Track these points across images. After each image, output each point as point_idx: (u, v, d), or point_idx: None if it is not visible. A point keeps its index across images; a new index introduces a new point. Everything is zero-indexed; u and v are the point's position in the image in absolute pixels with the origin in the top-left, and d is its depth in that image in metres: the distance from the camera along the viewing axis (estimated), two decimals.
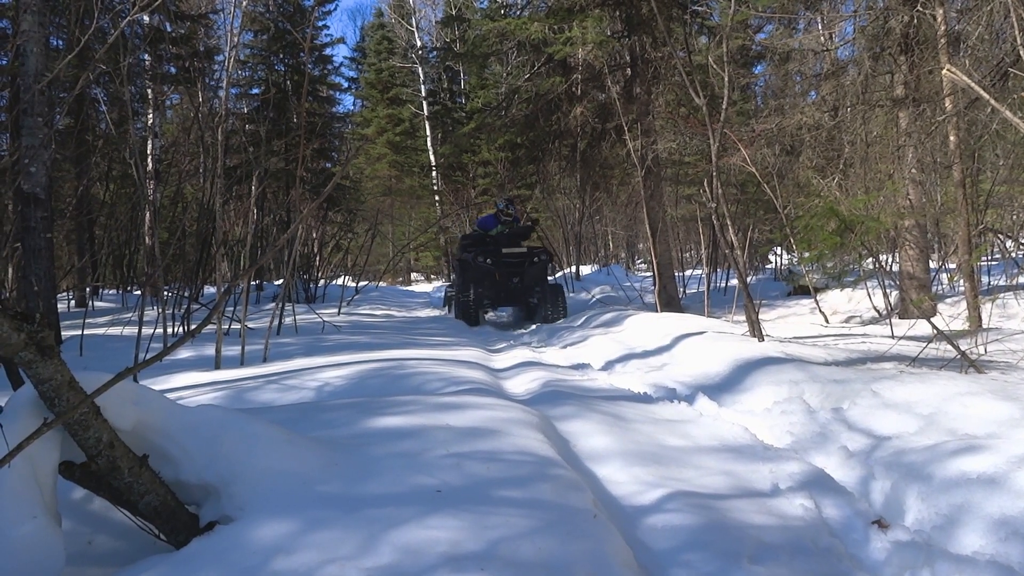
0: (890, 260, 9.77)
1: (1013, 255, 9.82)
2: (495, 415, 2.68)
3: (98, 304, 10.93)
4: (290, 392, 3.82)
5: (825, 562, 2.15)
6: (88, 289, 11.66)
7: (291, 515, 1.97)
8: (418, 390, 3.25)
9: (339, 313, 9.59)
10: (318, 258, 13.85)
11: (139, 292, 11.97)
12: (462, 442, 2.40)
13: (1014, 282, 9.07)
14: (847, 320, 9.11)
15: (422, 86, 27.75)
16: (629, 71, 11.21)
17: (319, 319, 8.10)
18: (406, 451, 2.34)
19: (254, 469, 2.12)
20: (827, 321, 8.90)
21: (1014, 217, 10.64)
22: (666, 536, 2.19)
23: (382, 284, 17.52)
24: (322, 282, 13.36)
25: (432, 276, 25.74)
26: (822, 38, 10.54)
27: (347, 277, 15.30)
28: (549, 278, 11.61)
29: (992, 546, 2.10)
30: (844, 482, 2.73)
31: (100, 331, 7.10)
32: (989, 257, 11.37)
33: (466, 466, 2.21)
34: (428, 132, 27.35)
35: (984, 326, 6.44)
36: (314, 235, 14.07)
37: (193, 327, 5.12)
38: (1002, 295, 8.00)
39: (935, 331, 4.41)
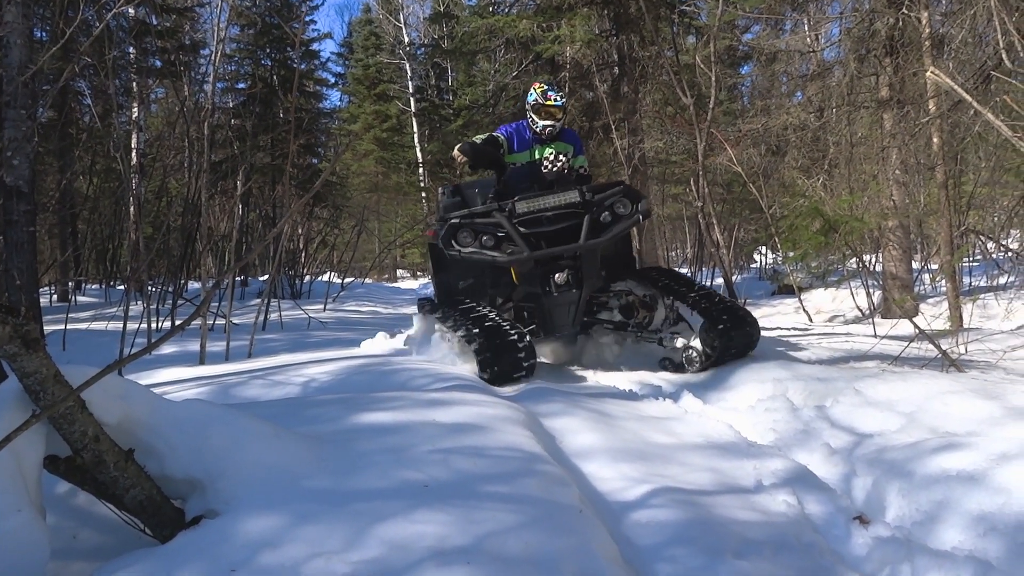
0: (873, 260, 9.86)
1: (994, 256, 9.94)
2: (482, 411, 2.69)
3: (80, 299, 10.84)
4: (276, 388, 3.81)
5: (807, 557, 2.18)
6: (71, 283, 11.56)
7: (278, 509, 1.97)
8: (404, 386, 3.25)
9: (325, 309, 9.55)
10: (304, 254, 13.79)
11: (123, 287, 11.89)
12: (449, 438, 2.41)
13: (994, 283, 9.18)
14: (831, 319, 9.19)
15: (409, 82, 27.67)
16: (617, 70, 11.24)
17: (305, 315, 8.07)
18: (393, 446, 2.34)
19: (241, 464, 2.12)
20: (811, 320, 8.97)
21: (995, 219, 10.76)
22: (651, 532, 2.21)
23: (368, 281, 17.47)
24: (308, 278, 13.30)
25: (418, 273, 25.68)
26: (808, 39, 10.61)
27: (333, 273, 15.25)
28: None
29: (971, 542, 2.13)
30: (827, 479, 2.76)
31: (83, 326, 7.04)
32: (970, 258, 11.50)
33: (453, 461, 2.22)
34: (415, 129, 27.28)
35: (965, 326, 6.53)
36: (300, 231, 14.01)
37: (179, 322, 5.08)
38: (983, 296, 8.10)
39: (917, 330, 4.46)
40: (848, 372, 3.79)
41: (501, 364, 3.93)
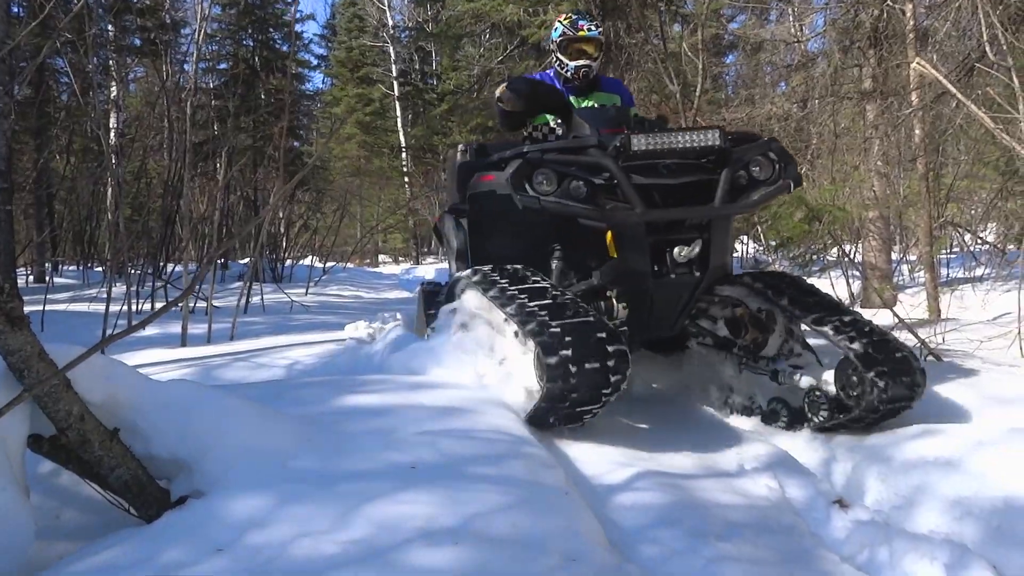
0: (854, 251, 9.96)
1: (971, 249, 10.08)
2: (469, 394, 2.70)
3: (58, 280, 10.70)
4: (260, 370, 3.80)
5: (788, 540, 2.22)
6: (48, 265, 11.40)
7: (265, 490, 1.97)
8: (391, 369, 3.26)
9: (307, 293, 9.50)
10: (285, 238, 13.70)
11: (100, 269, 11.75)
12: (436, 420, 2.41)
13: (971, 275, 9.31)
14: None
15: (393, 66, 27.45)
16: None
17: (287, 299, 8.03)
18: (380, 428, 2.34)
19: (227, 444, 2.11)
20: None
21: (973, 212, 10.91)
22: (636, 514, 2.23)
23: (350, 265, 17.38)
24: (289, 262, 13.21)
25: (400, 258, 25.59)
26: (793, 29, 10.65)
27: (315, 257, 15.16)
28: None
29: (947, 525, 2.18)
30: (807, 464, 2.80)
31: (61, 307, 6.96)
32: (948, 250, 11.65)
33: (440, 443, 2.23)
34: (398, 113, 27.10)
35: (943, 316, 6.63)
36: (282, 215, 13.91)
37: (163, 304, 5.03)
38: (960, 287, 8.22)
39: (896, 320, 4.53)
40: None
41: (581, 375, 2.46)
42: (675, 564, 2.00)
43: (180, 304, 5.34)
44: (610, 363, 2.50)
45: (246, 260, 12.26)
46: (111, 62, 13.00)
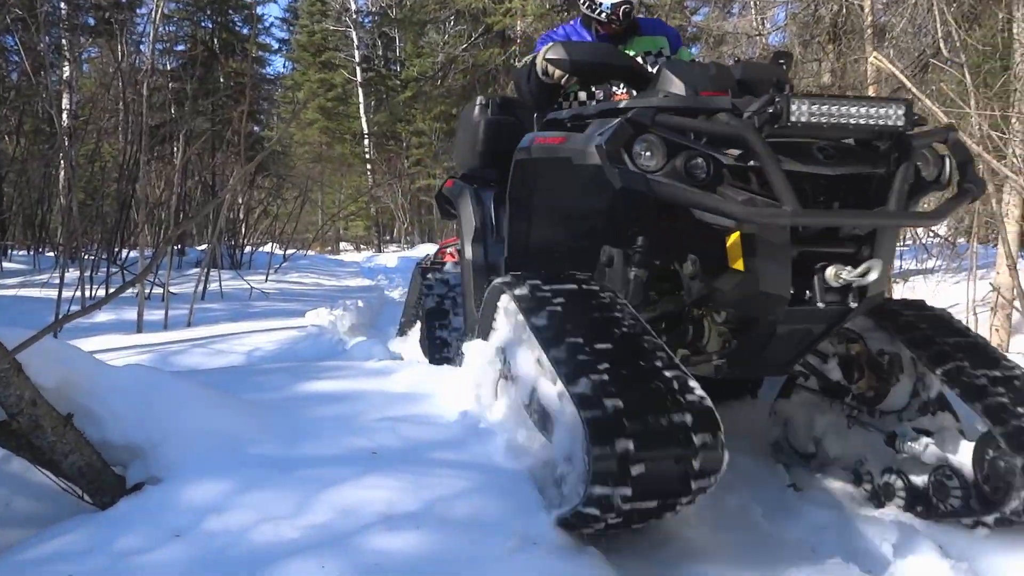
0: None
1: (923, 241, 10.34)
2: (429, 379, 2.70)
3: (7, 265, 10.39)
4: (218, 356, 3.74)
5: None
6: None
7: (224, 476, 1.95)
8: (352, 355, 3.24)
9: (267, 280, 9.37)
10: (245, 224, 13.47)
11: (53, 254, 11.44)
12: (398, 405, 2.41)
13: (923, 266, 9.55)
14: None
15: (356, 51, 27.11)
16: None
17: (246, 285, 7.92)
18: (341, 414, 2.33)
19: (185, 430, 2.09)
20: None
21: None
22: None
23: (311, 252, 17.19)
24: (249, 248, 13.01)
25: (362, 246, 25.37)
26: (755, 23, 10.78)
27: (275, 244, 14.96)
28: None
29: None
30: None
31: (11, 292, 6.76)
32: (902, 242, 11.94)
33: (401, 429, 2.23)
34: (361, 99, 26.80)
35: None
36: (241, 200, 13.67)
37: (114, 289, 4.94)
38: (912, 278, 8.44)
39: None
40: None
41: (647, 478, 1.66)
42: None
43: (136, 290, 5.23)
44: (695, 463, 1.65)
45: (204, 247, 12.04)
46: (64, 41, 12.62)
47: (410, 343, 3.96)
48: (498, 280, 2.29)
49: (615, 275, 2.38)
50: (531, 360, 2.17)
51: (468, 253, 3.10)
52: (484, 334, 2.47)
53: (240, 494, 1.87)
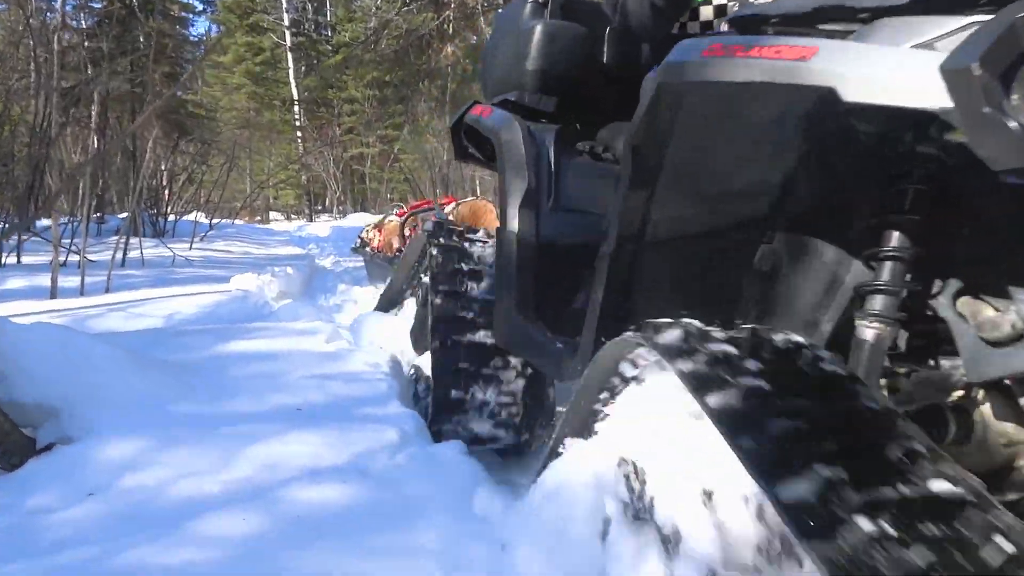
0: None
1: None
2: (356, 338, 2.68)
3: None
4: (138, 320, 3.62)
5: None
6: None
7: (141, 434, 1.90)
8: (278, 316, 3.18)
9: (191, 248, 9.10)
10: (168, 191, 13.01)
11: None
12: (323, 364, 2.39)
13: None
14: None
15: (285, 14, 26.29)
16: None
17: (170, 253, 7.67)
18: (266, 372, 2.30)
19: (100, 389, 2.03)
20: None
21: None
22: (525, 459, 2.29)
23: (239, 222, 16.75)
24: (172, 217, 12.58)
25: (293, 216, 24.83)
26: None
27: (200, 213, 14.50)
28: None
29: None
30: None
31: None
32: None
33: (327, 386, 2.22)
34: (291, 64, 26.06)
35: None
36: (163, 167, 13.19)
37: (31, 258, 4.70)
38: None
39: None
40: None
41: None
42: None
43: (49, 257, 5.01)
44: None
45: (125, 215, 11.60)
46: None
47: (387, 327, 3.07)
48: (631, 334, 1.15)
49: (797, 294, 1.39)
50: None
51: (513, 223, 1.99)
52: (582, 428, 1.33)
53: (159, 451, 1.83)
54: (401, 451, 1.93)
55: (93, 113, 11.18)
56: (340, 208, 23.08)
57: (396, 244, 5.88)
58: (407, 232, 5.77)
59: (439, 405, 2.17)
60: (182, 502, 1.65)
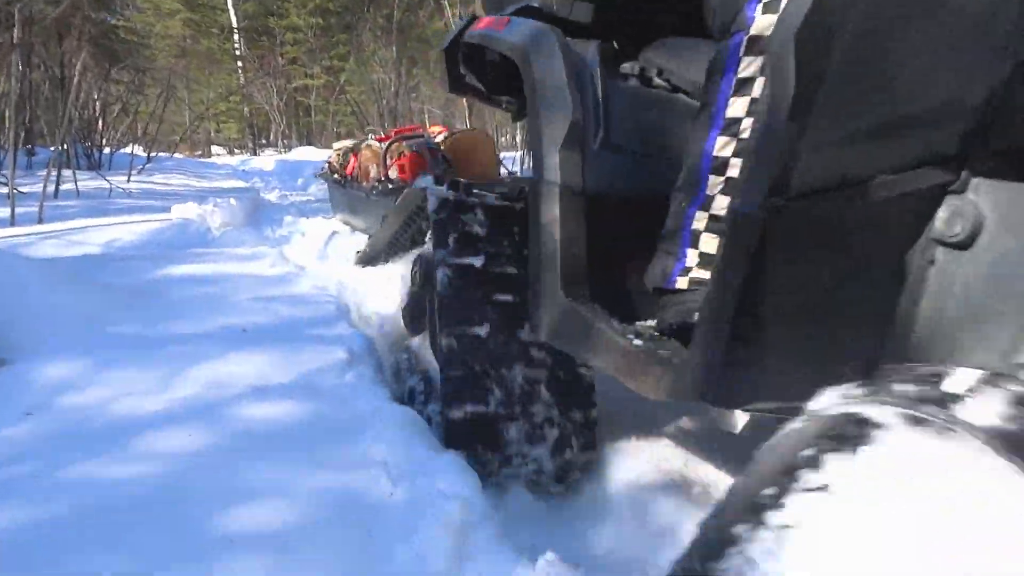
0: None
1: None
2: (303, 262, 2.65)
3: None
4: (74, 248, 3.49)
5: None
6: None
7: (81, 355, 1.87)
8: (220, 243, 3.11)
9: (129, 181, 8.78)
10: (101, 122, 12.46)
11: None
12: (269, 287, 2.36)
13: None
14: None
15: None
16: None
17: (107, 185, 7.39)
18: (210, 295, 2.26)
19: (35, 311, 1.97)
20: None
21: None
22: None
23: (179, 155, 16.19)
24: (108, 150, 12.09)
25: (236, 150, 24.06)
26: None
27: (138, 146, 13.96)
28: None
29: None
30: None
31: None
32: None
33: (273, 308, 2.19)
34: None
35: None
36: (95, 96, 12.59)
37: None
38: None
39: None
40: None
41: None
42: None
43: None
44: None
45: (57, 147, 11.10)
46: None
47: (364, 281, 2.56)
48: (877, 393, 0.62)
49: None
50: None
51: (552, 169, 1.49)
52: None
53: (99, 372, 1.80)
54: (350, 369, 1.93)
55: (15, 37, 10.56)
56: (285, 142, 22.45)
57: (374, 172, 5.07)
58: (390, 161, 5.16)
59: (452, 420, 1.66)
60: (125, 420, 1.62)
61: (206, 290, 2.29)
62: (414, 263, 2.04)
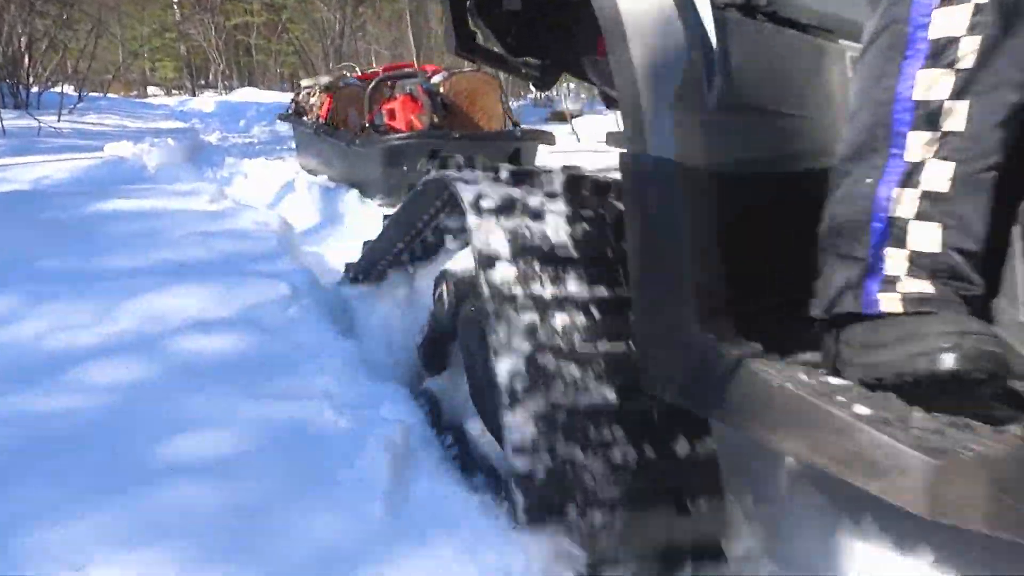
0: None
1: None
2: (242, 197, 2.59)
3: None
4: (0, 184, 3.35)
5: None
6: None
7: (10, 291, 1.82)
8: (156, 180, 3.02)
9: (59, 120, 8.40)
10: (27, 58, 11.83)
11: None
12: (209, 222, 2.31)
13: None
14: (599, 141, 9.79)
15: None
16: None
17: (35, 123, 7.06)
18: (147, 230, 2.21)
19: None
20: (579, 140, 9.49)
21: None
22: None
23: (112, 95, 15.52)
24: (36, 88, 11.51)
25: (174, 90, 23.13)
26: None
27: (68, 85, 13.32)
28: None
29: None
30: None
31: None
32: None
33: (213, 243, 2.15)
34: None
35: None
36: (20, 30, 11.92)
37: None
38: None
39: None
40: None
41: None
42: None
43: None
44: None
45: None
46: None
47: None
48: None
49: None
50: None
51: (659, 137, 1.02)
52: None
53: (30, 307, 1.75)
54: (293, 303, 1.91)
55: None
56: (226, 83, 21.66)
57: (354, 117, 4.28)
58: (376, 105, 4.04)
59: (536, 499, 1.09)
60: (61, 353, 1.59)
61: (142, 225, 2.24)
62: (438, 282, 1.48)
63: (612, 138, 1.54)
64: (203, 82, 24.34)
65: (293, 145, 5.79)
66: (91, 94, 13.11)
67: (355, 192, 3.72)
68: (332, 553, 1.12)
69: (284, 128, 9.31)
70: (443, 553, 1.12)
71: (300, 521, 1.20)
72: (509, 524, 1.11)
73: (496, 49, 1.49)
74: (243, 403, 1.49)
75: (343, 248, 2.76)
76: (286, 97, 15.30)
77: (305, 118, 4.98)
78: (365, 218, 3.14)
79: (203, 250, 2.09)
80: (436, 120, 3.71)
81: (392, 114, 3.84)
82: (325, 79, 5.31)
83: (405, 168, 3.24)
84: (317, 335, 1.77)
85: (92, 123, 9.12)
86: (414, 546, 1.14)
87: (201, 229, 2.23)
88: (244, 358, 1.66)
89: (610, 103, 1.52)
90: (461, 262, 1.40)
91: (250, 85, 19.89)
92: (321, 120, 4.58)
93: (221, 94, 19.03)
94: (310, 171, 4.75)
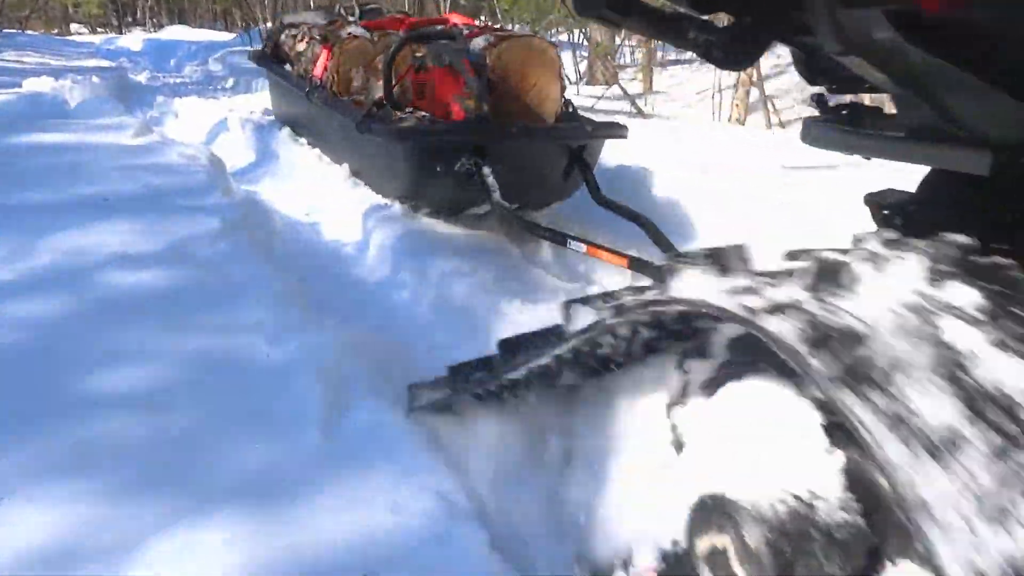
0: (579, 33, 10.27)
1: None
2: (170, 132, 2.49)
3: None
4: None
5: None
6: None
7: None
8: (76, 114, 2.88)
9: None
10: None
11: None
12: (135, 156, 2.22)
13: (682, 56, 10.15)
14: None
15: None
16: None
17: None
18: (68, 163, 2.11)
19: None
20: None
21: None
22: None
23: (32, 32, 14.67)
24: None
25: (99, 28, 21.95)
26: None
27: None
28: None
29: None
30: None
31: None
32: None
33: (139, 177, 2.07)
34: None
35: (655, 89, 7.45)
36: None
37: None
38: (672, 66, 9.00)
39: (623, 91, 4.93)
40: None
41: None
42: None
43: None
44: None
45: None
46: None
47: None
48: None
49: None
50: None
51: None
52: None
53: None
54: (224, 238, 1.86)
55: None
56: (155, 21, 20.66)
57: (359, 81, 3.01)
58: (398, 74, 2.64)
59: None
60: None
61: (61, 159, 2.13)
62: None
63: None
64: (130, 19, 23.19)
65: (229, 85, 5.12)
66: (7, 30, 12.37)
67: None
68: (266, 479, 1.12)
69: (218, 68, 8.81)
70: (379, 478, 1.13)
71: (233, 451, 1.18)
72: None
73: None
74: (173, 337, 1.45)
75: (278, 187, 2.70)
76: (220, 36, 14.62)
77: (288, 68, 3.66)
78: (300, 156, 3.05)
79: (129, 184, 2.01)
80: (485, 108, 2.46)
81: (421, 90, 2.64)
82: (320, 16, 3.76)
83: (439, 169, 2.17)
84: (248, 269, 1.73)
85: (9, 60, 8.61)
86: (351, 471, 1.14)
87: (126, 163, 2.15)
88: (174, 292, 1.61)
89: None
90: None
91: (180, 23, 19.02)
92: (316, 80, 3.14)
93: (150, 32, 18.18)
94: (285, 123, 3.65)
